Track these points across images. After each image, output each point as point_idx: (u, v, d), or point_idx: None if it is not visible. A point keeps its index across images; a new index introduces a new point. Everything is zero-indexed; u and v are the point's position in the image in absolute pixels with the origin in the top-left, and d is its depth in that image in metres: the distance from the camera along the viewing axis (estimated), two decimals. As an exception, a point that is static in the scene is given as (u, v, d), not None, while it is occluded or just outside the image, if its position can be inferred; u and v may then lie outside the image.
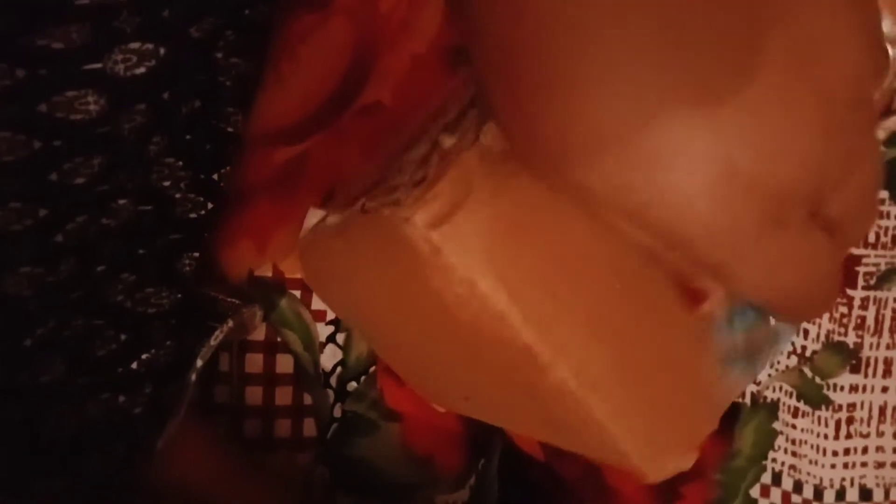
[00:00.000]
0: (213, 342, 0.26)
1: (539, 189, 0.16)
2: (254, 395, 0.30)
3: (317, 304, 0.31)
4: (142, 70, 0.21)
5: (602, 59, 0.13)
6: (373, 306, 0.21)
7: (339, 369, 0.31)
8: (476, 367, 0.19)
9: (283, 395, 0.30)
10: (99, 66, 0.20)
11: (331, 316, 0.31)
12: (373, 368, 0.31)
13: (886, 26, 0.17)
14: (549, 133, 0.14)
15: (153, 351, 0.25)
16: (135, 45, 0.21)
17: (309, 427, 0.31)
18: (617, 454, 0.18)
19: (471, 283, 0.16)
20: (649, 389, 0.17)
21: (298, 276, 0.30)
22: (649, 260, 0.17)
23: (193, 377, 0.25)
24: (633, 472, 0.18)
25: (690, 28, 0.13)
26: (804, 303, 0.16)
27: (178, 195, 0.24)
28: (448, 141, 0.17)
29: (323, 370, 0.31)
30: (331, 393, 0.31)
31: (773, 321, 0.20)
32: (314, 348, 0.31)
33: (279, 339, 0.30)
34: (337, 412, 0.31)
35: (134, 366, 0.24)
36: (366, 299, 0.21)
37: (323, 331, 0.31)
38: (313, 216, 0.21)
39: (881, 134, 0.19)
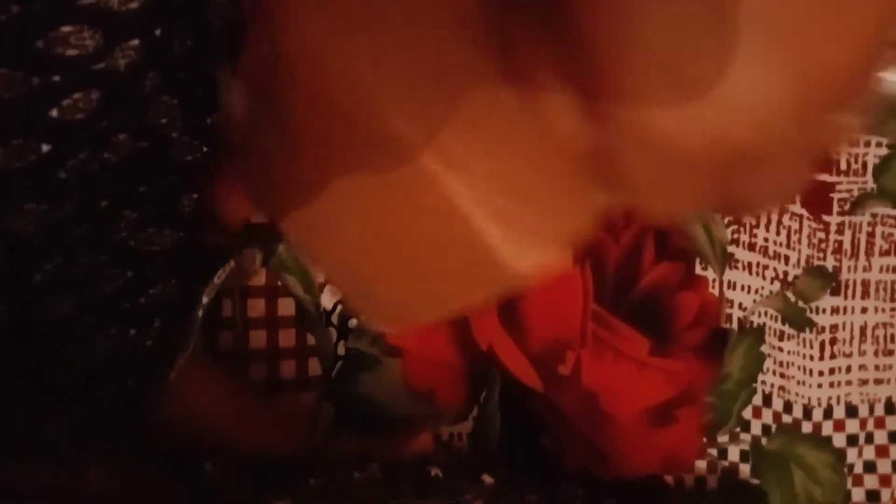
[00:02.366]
0: (216, 280, 0.27)
1: None
2: (258, 338, 0.31)
3: (313, 247, 0.32)
4: (135, 5, 0.22)
5: None
6: (323, 210, 0.21)
7: (339, 307, 0.32)
8: (394, 216, 0.19)
9: (287, 337, 0.31)
10: (93, 0, 0.21)
11: (328, 258, 0.32)
12: (372, 306, 0.32)
13: None
14: None
15: (159, 287, 0.25)
16: (127, -21, 0.21)
17: (313, 366, 0.31)
18: (484, 249, 0.18)
19: (323, 62, 0.17)
20: (512, 176, 0.17)
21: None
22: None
23: (200, 313, 0.26)
24: (501, 267, 0.18)
25: None
26: None
27: (174, 134, 0.25)
28: None
29: (324, 310, 0.32)
30: (333, 331, 0.32)
31: None
32: (314, 289, 0.32)
33: (279, 284, 0.31)
34: (341, 350, 0.32)
35: (142, 300, 0.25)
36: (316, 209, 0.21)
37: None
38: None
39: None
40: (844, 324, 0.38)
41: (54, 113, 0.22)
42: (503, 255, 0.18)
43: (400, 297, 0.21)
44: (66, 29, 0.21)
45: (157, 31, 0.22)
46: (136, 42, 0.22)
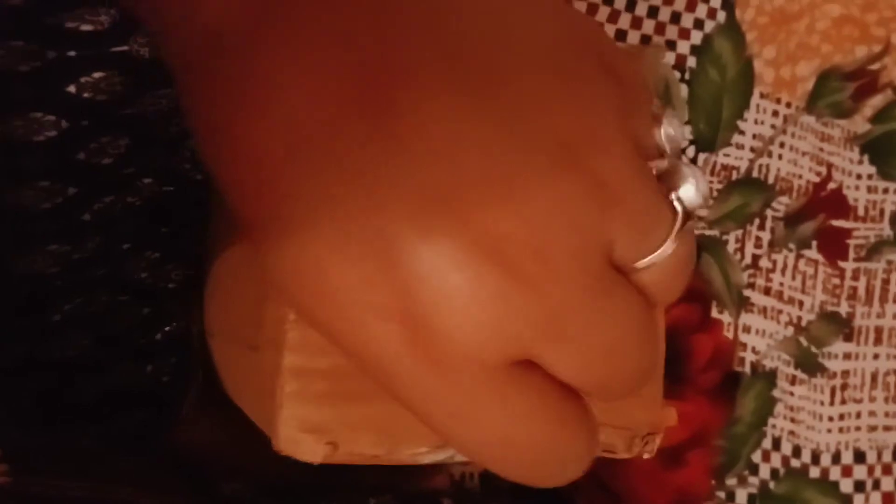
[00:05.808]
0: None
1: None
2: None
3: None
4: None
5: None
6: None
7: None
8: None
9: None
10: (125, 48, 0.21)
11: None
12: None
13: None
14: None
15: (175, 324, 0.25)
16: (158, 28, 0.21)
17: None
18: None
19: None
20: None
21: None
22: None
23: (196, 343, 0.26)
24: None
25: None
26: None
27: (198, 177, 0.25)
28: None
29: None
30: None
31: None
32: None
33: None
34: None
35: (158, 337, 0.25)
36: None
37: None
38: None
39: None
40: (856, 370, 0.38)
41: (81, 156, 0.22)
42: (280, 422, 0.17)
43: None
44: (97, 75, 0.21)
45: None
46: (165, 89, 0.22)
